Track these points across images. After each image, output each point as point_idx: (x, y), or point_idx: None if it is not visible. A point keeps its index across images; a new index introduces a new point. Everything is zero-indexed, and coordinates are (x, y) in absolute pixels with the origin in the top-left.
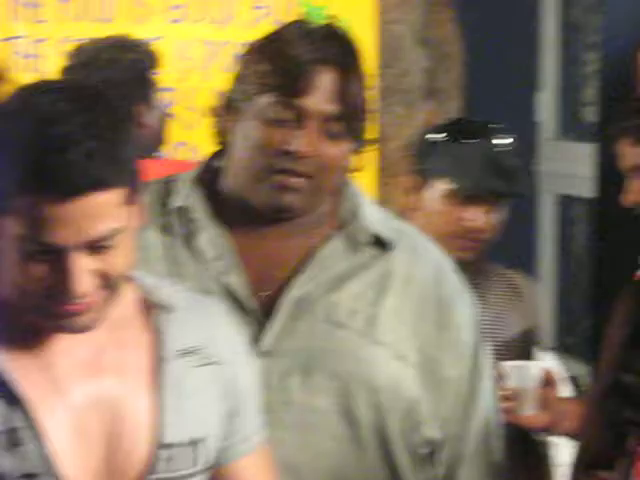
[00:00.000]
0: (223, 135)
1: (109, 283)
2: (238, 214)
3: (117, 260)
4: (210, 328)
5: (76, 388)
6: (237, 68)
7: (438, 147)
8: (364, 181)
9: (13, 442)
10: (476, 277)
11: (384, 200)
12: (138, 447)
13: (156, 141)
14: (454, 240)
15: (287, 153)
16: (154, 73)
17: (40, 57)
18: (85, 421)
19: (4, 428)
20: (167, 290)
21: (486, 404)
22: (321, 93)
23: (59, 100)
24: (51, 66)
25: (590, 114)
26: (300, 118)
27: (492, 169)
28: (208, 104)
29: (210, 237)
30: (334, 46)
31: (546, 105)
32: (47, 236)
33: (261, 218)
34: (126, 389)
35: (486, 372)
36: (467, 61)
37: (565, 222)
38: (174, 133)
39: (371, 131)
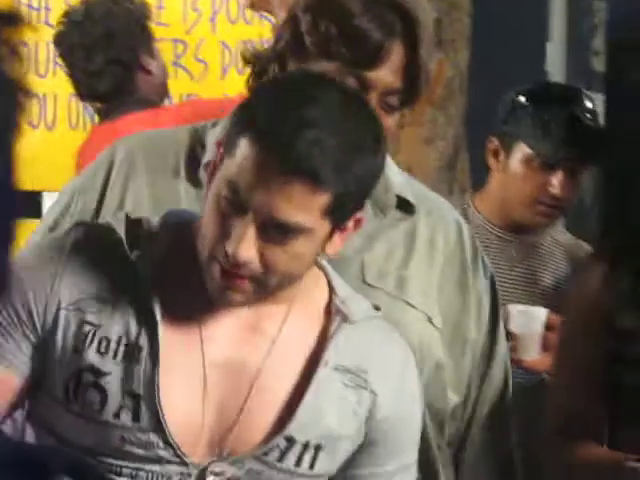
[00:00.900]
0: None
1: (266, 277)
2: None
3: (284, 258)
4: (381, 355)
5: (218, 351)
6: (284, 21)
7: (521, 110)
8: None
9: (131, 357)
10: (538, 238)
11: (391, 152)
12: (257, 428)
13: (161, 91)
14: (534, 205)
15: None
16: (151, 22)
17: (49, 10)
18: (213, 382)
19: (129, 341)
20: (358, 303)
21: (501, 368)
22: (388, 67)
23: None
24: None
25: (598, 64)
26: (364, 89)
27: (574, 135)
28: (216, 56)
29: None
30: (399, 18)
31: (555, 55)
32: (247, 195)
33: None
34: (272, 369)
35: (502, 336)
36: (476, 11)
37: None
38: (182, 85)
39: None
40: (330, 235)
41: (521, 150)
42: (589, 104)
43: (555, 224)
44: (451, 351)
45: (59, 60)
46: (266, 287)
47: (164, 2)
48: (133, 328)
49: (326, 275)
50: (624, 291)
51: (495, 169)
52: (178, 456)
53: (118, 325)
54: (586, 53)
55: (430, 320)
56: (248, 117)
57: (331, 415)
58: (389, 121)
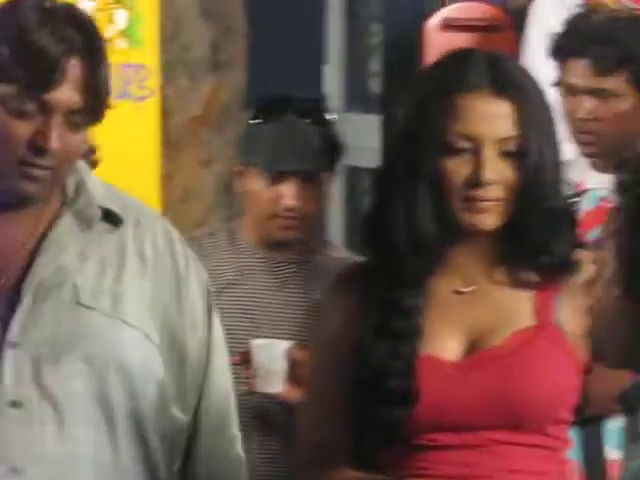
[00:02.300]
0: None
1: None
2: None
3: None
4: None
5: None
6: None
7: (252, 126)
8: (148, 155)
9: None
10: (306, 256)
11: (167, 175)
12: None
13: None
14: (273, 220)
15: (34, 148)
16: None
17: None
18: None
19: None
20: None
21: (222, 378)
22: (67, 86)
23: None
24: None
25: (376, 86)
26: (46, 112)
27: (290, 146)
28: None
29: None
30: (78, 33)
31: (332, 77)
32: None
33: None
34: None
35: (218, 346)
36: (253, 34)
37: (353, 194)
38: None
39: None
40: None
41: (254, 167)
42: (309, 113)
43: (322, 240)
44: (171, 366)
45: None
46: None
47: None
48: None
49: None
50: (372, 323)
51: (241, 189)
52: None
53: None
54: (363, 75)
55: (148, 337)
56: None
57: None
58: (76, 140)
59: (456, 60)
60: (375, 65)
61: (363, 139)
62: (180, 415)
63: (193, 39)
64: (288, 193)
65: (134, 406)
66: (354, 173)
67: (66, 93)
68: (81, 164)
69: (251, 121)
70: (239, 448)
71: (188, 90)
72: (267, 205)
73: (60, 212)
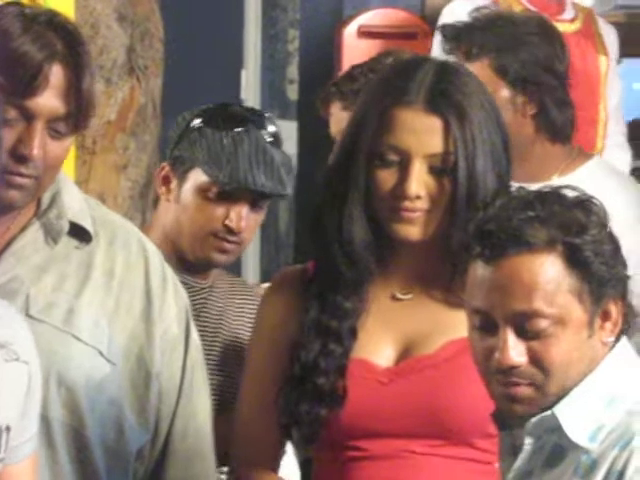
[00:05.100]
0: None
1: None
2: None
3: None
4: (14, 325)
5: None
6: None
7: (195, 133)
8: None
9: None
10: (212, 280)
11: (82, 180)
12: None
13: None
14: (210, 239)
15: (16, 156)
16: None
17: None
18: None
19: None
20: None
21: (200, 401)
22: (49, 92)
23: None
24: None
25: (293, 92)
26: (28, 119)
27: (258, 163)
28: None
29: None
30: (61, 40)
31: (250, 82)
32: None
33: None
34: None
35: (198, 369)
36: (170, 38)
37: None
38: None
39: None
40: None
41: (195, 177)
42: (272, 127)
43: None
44: (133, 385)
45: None
46: None
47: None
48: None
49: None
50: (308, 321)
51: (165, 198)
52: None
53: None
54: (281, 81)
55: (102, 355)
56: None
57: (5, 394)
58: (59, 148)
59: (402, 70)
60: (293, 71)
61: None
62: (139, 434)
63: (108, 43)
64: (239, 214)
65: (77, 424)
66: None
67: (48, 100)
68: (62, 175)
69: (193, 124)
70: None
71: (103, 94)
72: (207, 221)
73: (30, 222)
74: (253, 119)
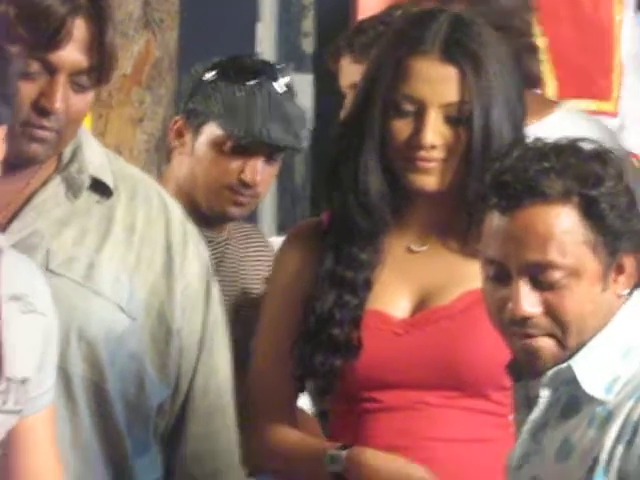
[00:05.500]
0: None
1: None
2: None
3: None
4: (32, 278)
5: None
6: None
7: (209, 87)
8: None
9: None
10: (228, 233)
11: (98, 133)
12: None
13: None
14: (226, 192)
15: (38, 109)
16: None
17: None
18: None
19: None
20: None
21: (221, 359)
22: (73, 46)
23: None
24: None
25: (308, 45)
26: (51, 72)
27: (273, 116)
28: None
29: None
30: None
31: (265, 36)
32: None
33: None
34: None
35: (219, 325)
36: None
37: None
38: None
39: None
40: None
41: (210, 131)
42: (285, 79)
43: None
44: (154, 340)
45: None
46: None
47: None
48: None
49: None
50: (323, 272)
51: (179, 152)
52: None
53: None
54: (296, 34)
55: (122, 309)
56: None
57: (22, 346)
58: (81, 101)
59: (417, 21)
60: (308, 24)
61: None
62: (159, 389)
63: None
64: (254, 168)
65: (98, 378)
66: None
67: (71, 53)
68: (83, 129)
69: (206, 77)
70: (232, 436)
71: (119, 48)
72: (222, 175)
73: (51, 176)
74: (266, 71)
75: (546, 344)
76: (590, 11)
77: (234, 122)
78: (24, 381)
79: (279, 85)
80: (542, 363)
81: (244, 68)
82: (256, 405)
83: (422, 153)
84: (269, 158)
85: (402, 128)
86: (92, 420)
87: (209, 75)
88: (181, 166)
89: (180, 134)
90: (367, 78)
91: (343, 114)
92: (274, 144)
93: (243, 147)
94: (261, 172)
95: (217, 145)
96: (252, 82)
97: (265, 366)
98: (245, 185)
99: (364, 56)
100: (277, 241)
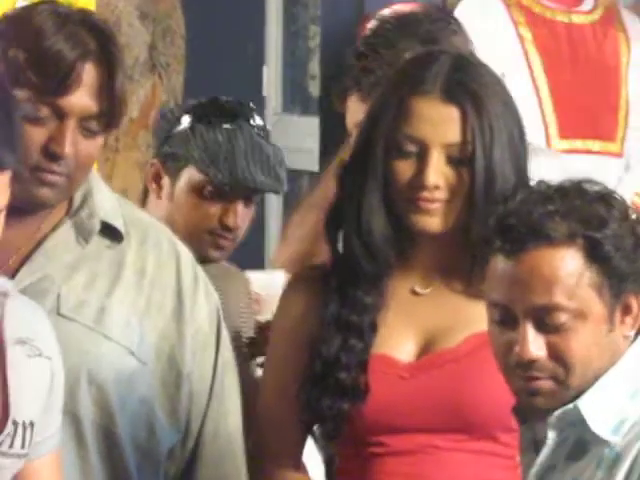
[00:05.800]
0: None
1: None
2: None
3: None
4: (37, 322)
5: None
6: None
7: (187, 130)
8: None
9: None
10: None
11: (105, 177)
12: None
13: None
14: (206, 237)
15: (48, 153)
16: None
17: None
18: None
19: None
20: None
21: (231, 402)
22: (81, 91)
23: None
24: None
25: (314, 88)
26: (60, 117)
27: (254, 159)
28: None
29: None
30: (94, 39)
31: (272, 79)
32: None
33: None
34: None
35: (229, 369)
36: (192, 35)
37: (293, 197)
38: None
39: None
40: None
41: (189, 175)
42: (259, 120)
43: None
44: (164, 384)
45: None
46: None
47: None
48: None
49: None
50: (328, 316)
51: (157, 196)
52: None
53: None
54: (302, 77)
55: (132, 354)
56: None
57: (28, 389)
58: (91, 146)
59: (419, 61)
60: (314, 67)
61: (302, 141)
62: (170, 434)
63: (130, 41)
64: (235, 212)
65: (108, 422)
66: (294, 176)
67: (80, 98)
68: (93, 174)
69: (183, 120)
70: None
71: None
72: (203, 219)
73: (62, 221)
74: (243, 112)
75: (546, 384)
76: (594, 53)
77: (216, 167)
78: (30, 424)
79: (255, 126)
80: (542, 401)
81: (221, 110)
82: (264, 450)
83: (425, 194)
84: (248, 200)
85: (404, 169)
86: (102, 464)
87: (186, 118)
88: (157, 210)
89: (157, 178)
90: (369, 118)
91: (346, 152)
92: (257, 188)
93: (224, 191)
94: (241, 215)
95: (197, 189)
96: (231, 125)
97: (272, 411)
98: (226, 229)
99: (372, 95)
100: (280, 277)
